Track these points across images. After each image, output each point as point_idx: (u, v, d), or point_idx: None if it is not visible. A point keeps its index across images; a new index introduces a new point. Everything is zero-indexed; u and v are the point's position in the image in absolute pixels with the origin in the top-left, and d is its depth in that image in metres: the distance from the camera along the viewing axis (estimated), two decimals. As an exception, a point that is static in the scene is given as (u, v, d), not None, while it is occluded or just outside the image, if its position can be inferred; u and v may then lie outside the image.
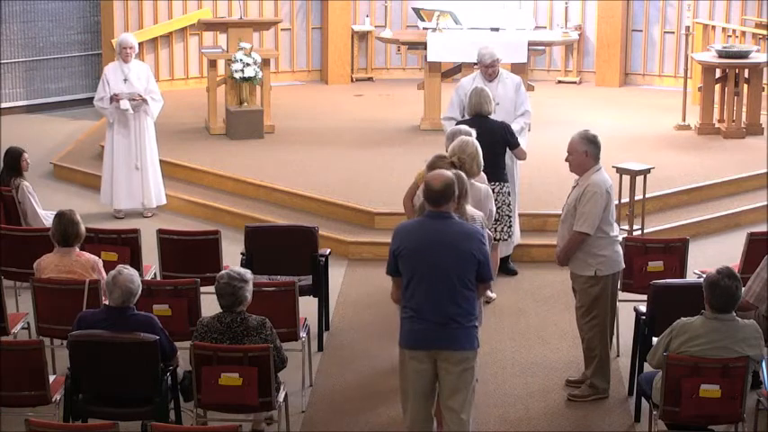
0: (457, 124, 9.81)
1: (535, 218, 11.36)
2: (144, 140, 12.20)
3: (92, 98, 16.07)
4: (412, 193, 8.59)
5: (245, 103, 14.05)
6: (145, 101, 12.06)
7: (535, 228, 11.29)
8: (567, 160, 8.31)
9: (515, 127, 10.55)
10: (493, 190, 9.42)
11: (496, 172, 9.78)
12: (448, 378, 6.96)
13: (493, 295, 9.90)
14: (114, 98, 11.98)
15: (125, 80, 12.08)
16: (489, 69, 10.91)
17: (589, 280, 8.26)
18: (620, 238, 8.44)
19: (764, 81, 14.60)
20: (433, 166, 7.90)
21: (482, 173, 8.64)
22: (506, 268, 10.65)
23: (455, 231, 6.89)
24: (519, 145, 10.17)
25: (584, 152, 8.21)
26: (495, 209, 8.58)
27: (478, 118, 9.94)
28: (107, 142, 12.34)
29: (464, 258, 6.85)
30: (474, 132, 8.94)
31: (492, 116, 10.07)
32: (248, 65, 13.71)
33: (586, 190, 8.14)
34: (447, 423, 7.06)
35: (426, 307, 6.86)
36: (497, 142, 9.92)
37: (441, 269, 6.84)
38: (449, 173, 7.08)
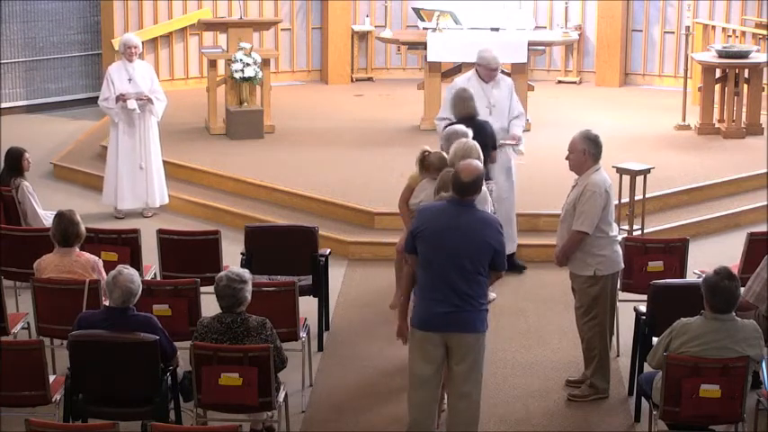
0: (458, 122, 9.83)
1: (534, 218, 11.36)
2: (149, 140, 12.22)
3: (92, 98, 16.21)
4: (407, 196, 8.65)
5: (245, 103, 14.05)
6: (150, 101, 12.07)
7: (534, 228, 11.29)
8: (567, 158, 8.33)
9: (518, 131, 10.56)
10: None
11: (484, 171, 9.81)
12: (461, 361, 7.11)
13: (493, 295, 9.82)
14: (121, 98, 11.98)
15: (129, 80, 12.09)
16: (494, 72, 10.81)
17: (588, 280, 8.26)
18: (619, 238, 8.44)
19: (764, 81, 14.60)
20: (422, 161, 8.25)
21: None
22: (513, 265, 10.65)
23: (474, 218, 7.09)
24: (496, 148, 10.16)
25: (583, 150, 8.21)
26: (492, 210, 8.58)
27: (469, 119, 9.91)
28: (111, 142, 12.33)
29: (480, 245, 7.04)
30: (470, 132, 9.01)
31: (481, 117, 10.01)
32: (248, 65, 13.71)
33: (585, 189, 8.15)
34: (458, 407, 7.19)
35: (441, 290, 7.02)
36: (487, 144, 9.90)
37: (457, 253, 7.01)
38: (479, 164, 7.26)
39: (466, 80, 10.98)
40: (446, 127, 9.67)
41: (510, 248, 10.64)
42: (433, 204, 7.38)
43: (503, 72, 13.27)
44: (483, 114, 10.38)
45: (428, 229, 7.08)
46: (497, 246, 7.10)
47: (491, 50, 11.08)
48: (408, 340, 7.29)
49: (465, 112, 10.01)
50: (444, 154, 8.54)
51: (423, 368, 7.14)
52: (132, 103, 11.99)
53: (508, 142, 10.52)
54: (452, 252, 7.01)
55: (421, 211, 7.28)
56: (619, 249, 8.36)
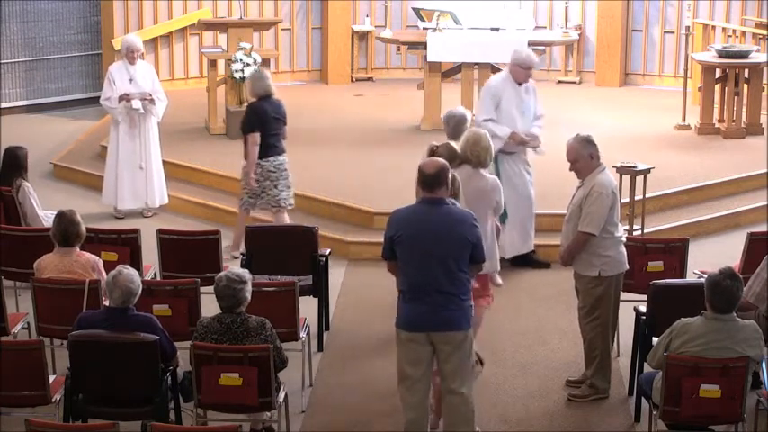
0: (257, 101, 10.77)
1: (535, 218, 11.33)
2: (149, 140, 12.24)
3: (92, 98, 16.22)
4: None
5: (245, 103, 14.03)
6: (152, 101, 12.10)
7: (535, 227, 11.26)
8: (572, 169, 8.30)
9: (536, 130, 10.57)
10: (272, 164, 10.76)
11: (280, 145, 10.90)
12: (448, 359, 7.14)
13: (499, 281, 9.60)
14: (125, 98, 12.00)
15: (131, 80, 12.12)
16: (529, 72, 10.68)
17: (593, 280, 8.26)
18: (624, 239, 8.44)
19: (764, 81, 14.60)
20: (431, 155, 8.28)
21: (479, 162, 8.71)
22: (534, 262, 10.77)
23: (448, 216, 7.10)
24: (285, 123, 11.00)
25: (590, 155, 8.24)
26: (502, 201, 8.61)
27: (267, 98, 10.77)
28: (111, 142, 12.34)
29: (457, 242, 7.06)
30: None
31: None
32: (248, 65, 13.71)
33: (592, 190, 8.15)
34: (451, 404, 7.23)
35: (423, 290, 7.06)
36: (283, 119, 10.91)
37: (436, 254, 7.03)
38: (442, 159, 7.33)
39: (500, 81, 10.77)
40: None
41: (528, 247, 10.71)
42: (406, 207, 7.36)
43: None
44: (514, 117, 10.46)
45: (404, 234, 7.09)
46: (474, 240, 7.10)
47: (526, 48, 11.04)
48: (396, 343, 7.28)
49: (262, 90, 10.77)
50: (452, 144, 8.62)
51: (412, 369, 7.16)
52: (137, 103, 12.02)
53: (531, 144, 10.69)
54: (431, 253, 7.02)
55: (394, 217, 7.24)
56: (623, 250, 8.35)
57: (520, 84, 10.69)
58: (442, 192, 7.13)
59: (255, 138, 10.71)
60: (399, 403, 7.97)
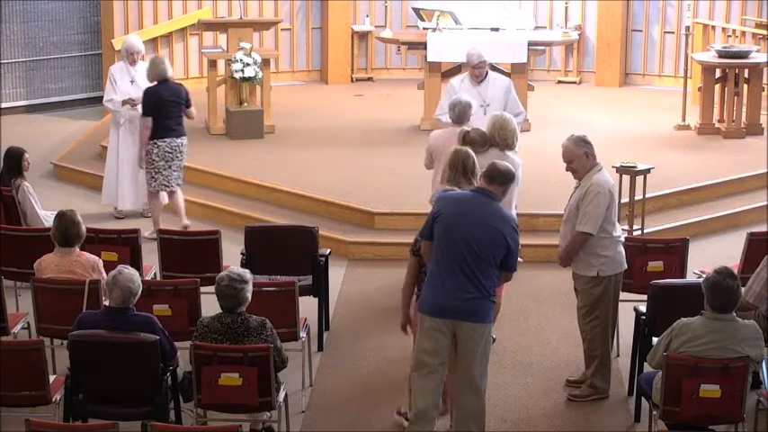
0: (154, 86, 11.25)
1: (534, 218, 11.35)
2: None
3: (92, 98, 16.25)
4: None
5: (245, 103, 14.05)
6: None
7: (533, 228, 11.28)
8: (569, 169, 8.30)
9: None
10: (168, 145, 11.20)
11: (179, 128, 11.30)
12: (469, 352, 7.15)
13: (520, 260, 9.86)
14: (129, 102, 12.02)
15: (132, 81, 12.15)
16: (476, 71, 11.17)
17: (592, 280, 8.25)
18: (622, 239, 8.43)
19: (764, 81, 14.60)
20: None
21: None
22: None
23: (492, 211, 7.16)
24: (191, 105, 11.48)
25: (585, 154, 8.22)
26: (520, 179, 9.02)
27: (164, 82, 11.25)
28: (112, 142, 12.36)
29: (495, 238, 7.10)
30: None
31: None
32: (248, 65, 13.71)
33: (589, 190, 8.14)
34: (467, 397, 7.22)
35: (452, 277, 7.08)
36: (182, 102, 11.29)
37: (473, 240, 7.06)
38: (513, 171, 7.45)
39: (459, 80, 11.37)
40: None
41: None
42: (456, 192, 7.46)
43: (503, 72, 13.37)
44: (477, 113, 10.49)
45: (447, 214, 7.14)
46: (512, 243, 7.15)
47: (476, 48, 11.59)
48: (419, 325, 7.28)
49: (158, 75, 11.28)
50: (482, 130, 9.00)
51: (430, 359, 7.16)
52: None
53: None
54: (468, 238, 7.05)
55: (443, 196, 7.35)
56: (622, 250, 8.35)
57: (479, 82, 11.18)
58: (498, 189, 7.20)
59: (147, 122, 11.26)
60: (399, 402, 7.97)
